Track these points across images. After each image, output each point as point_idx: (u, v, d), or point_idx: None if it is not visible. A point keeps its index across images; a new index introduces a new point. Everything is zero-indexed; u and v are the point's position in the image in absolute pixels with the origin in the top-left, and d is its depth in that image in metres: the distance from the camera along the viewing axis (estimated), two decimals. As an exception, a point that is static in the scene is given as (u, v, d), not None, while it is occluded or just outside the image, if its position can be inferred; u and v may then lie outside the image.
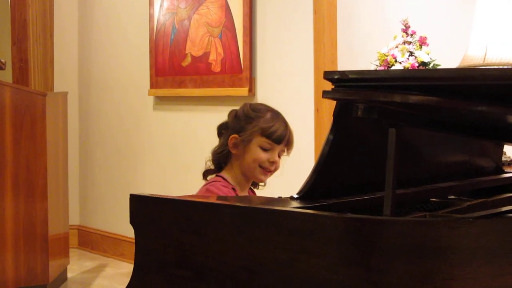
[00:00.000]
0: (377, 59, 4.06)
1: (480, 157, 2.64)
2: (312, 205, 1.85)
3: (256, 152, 2.62)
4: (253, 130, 2.62)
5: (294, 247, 1.68)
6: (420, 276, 1.56)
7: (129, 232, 2.02)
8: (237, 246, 1.79)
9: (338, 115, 1.91)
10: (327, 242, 1.63)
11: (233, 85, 4.91)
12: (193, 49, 5.23)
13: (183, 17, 5.31)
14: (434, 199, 2.31)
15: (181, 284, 1.90)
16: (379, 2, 4.92)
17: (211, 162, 2.74)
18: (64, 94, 5.35)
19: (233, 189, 2.63)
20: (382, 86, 1.72)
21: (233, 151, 2.66)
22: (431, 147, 2.34)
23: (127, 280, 2.03)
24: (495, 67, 3.29)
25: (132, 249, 2.02)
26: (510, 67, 3.31)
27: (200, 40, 5.18)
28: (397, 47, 4.00)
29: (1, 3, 6.66)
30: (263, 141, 2.63)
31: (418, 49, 3.96)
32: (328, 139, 1.92)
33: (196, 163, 3.07)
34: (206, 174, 2.75)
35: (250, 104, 2.73)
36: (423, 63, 3.91)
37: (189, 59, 5.27)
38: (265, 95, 4.80)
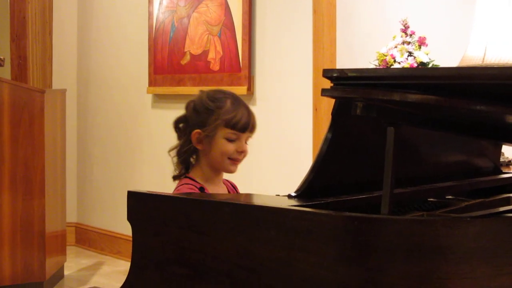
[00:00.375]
0: (376, 59, 4.05)
1: (478, 157, 2.64)
2: (310, 203, 1.85)
3: (223, 145, 2.52)
4: (216, 124, 2.50)
5: (292, 245, 1.68)
6: (418, 275, 1.56)
7: (127, 230, 2.02)
8: (235, 244, 1.78)
9: (336, 113, 1.91)
10: (325, 240, 1.63)
11: (232, 83, 4.90)
12: (192, 47, 5.23)
13: (182, 15, 5.31)
14: (432, 199, 2.32)
15: (178, 282, 1.90)
16: (379, 2, 4.91)
17: (177, 164, 2.61)
18: (63, 91, 5.35)
19: (202, 188, 2.53)
20: (381, 84, 1.71)
21: (198, 147, 2.55)
22: (430, 146, 2.34)
23: (124, 278, 2.03)
24: (494, 66, 3.28)
25: (129, 247, 2.02)
26: (509, 66, 3.30)
27: (199, 39, 5.17)
28: (396, 47, 4.00)
29: (0, 0, 6.65)
30: (228, 132, 2.51)
31: (417, 49, 3.96)
32: (326, 138, 1.91)
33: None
34: (175, 178, 2.62)
35: (207, 94, 2.59)
36: (422, 63, 3.91)
37: (188, 57, 5.27)
38: (263, 94, 4.80)
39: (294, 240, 1.67)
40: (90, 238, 6.29)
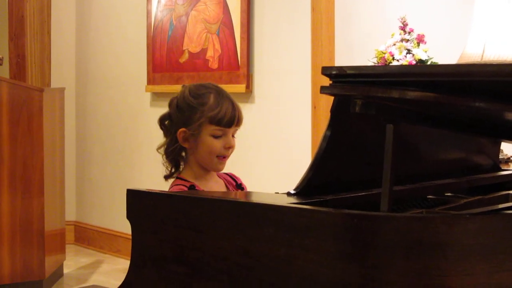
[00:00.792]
0: (374, 56, 4.06)
1: (477, 154, 2.64)
2: (309, 201, 1.85)
3: (209, 142, 2.45)
4: (200, 122, 2.44)
5: (291, 243, 1.68)
6: (417, 272, 1.56)
7: (126, 228, 2.02)
8: (234, 242, 1.78)
9: (335, 111, 1.91)
10: (324, 238, 1.63)
11: (230, 81, 4.90)
12: (191, 45, 5.23)
13: (180, 13, 5.30)
14: (431, 196, 2.32)
15: (177, 280, 1.90)
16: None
17: (167, 163, 2.57)
18: (61, 90, 5.35)
19: (192, 186, 2.47)
20: (380, 82, 1.71)
21: (185, 145, 2.49)
22: (429, 144, 2.34)
23: (123, 276, 2.03)
24: (493, 63, 3.29)
25: (128, 245, 2.02)
26: (507, 63, 3.30)
27: (198, 37, 5.17)
28: (394, 44, 4.00)
29: (-2, -1, 6.66)
30: (214, 128, 2.45)
31: (415, 46, 3.96)
32: (325, 135, 1.91)
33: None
34: (167, 177, 2.58)
35: (190, 90, 2.51)
36: (421, 61, 3.91)
37: (186, 55, 5.27)
38: (262, 92, 4.80)
39: (293, 237, 1.67)
40: (89, 237, 6.29)
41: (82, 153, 6.39)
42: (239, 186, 2.65)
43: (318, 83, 4.32)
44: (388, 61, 3.95)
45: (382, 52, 4.01)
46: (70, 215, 6.18)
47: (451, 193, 2.42)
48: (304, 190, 1.94)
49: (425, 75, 1.69)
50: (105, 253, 6.05)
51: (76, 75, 6.42)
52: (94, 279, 5.27)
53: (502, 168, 2.77)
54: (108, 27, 6.13)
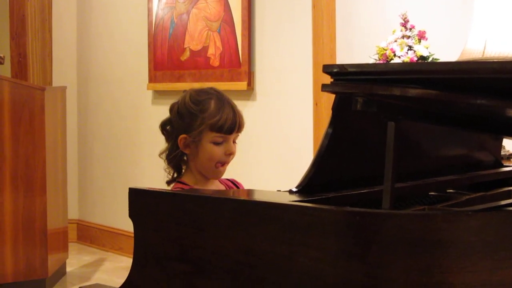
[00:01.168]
0: (376, 53, 4.05)
1: (479, 151, 2.64)
2: (311, 198, 1.85)
3: (210, 149, 2.43)
4: (201, 129, 2.42)
5: (293, 240, 1.68)
6: (419, 269, 1.56)
7: (128, 226, 2.03)
8: (236, 240, 1.79)
9: (337, 108, 1.91)
10: (326, 235, 1.63)
11: (231, 79, 4.91)
12: (192, 43, 5.23)
13: (181, 11, 5.30)
14: (433, 193, 2.32)
15: (180, 278, 1.90)
16: (378, -4, 4.91)
17: (169, 169, 2.55)
18: (63, 89, 5.35)
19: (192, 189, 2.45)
20: (381, 79, 1.71)
21: (186, 151, 2.48)
22: (430, 141, 2.34)
23: (126, 274, 2.03)
24: (495, 60, 3.28)
25: (130, 243, 2.03)
26: (509, 60, 3.30)
27: (199, 35, 5.17)
28: (396, 41, 3.99)
29: (-1, -2, 6.66)
30: (214, 136, 2.43)
31: (417, 43, 3.96)
32: (327, 133, 1.91)
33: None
34: (169, 183, 2.56)
35: (191, 96, 2.49)
36: (422, 57, 3.91)
37: (187, 53, 5.27)
38: (263, 90, 4.80)
39: (295, 235, 1.67)
40: (91, 235, 6.29)
41: (84, 151, 6.39)
42: None
43: (320, 81, 4.32)
44: (390, 58, 3.94)
45: (383, 48, 4.00)
46: (73, 213, 6.18)
47: (453, 189, 2.42)
48: (306, 187, 1.94)
49: (426, 73, 1.69)
50: (108, 251, 6.05)
51: (78, 74, 6.42)
52: (96, 277, 5.27)
53: (504, 164, 2.77)
54: (109, 25, 6.13)
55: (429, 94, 1.66)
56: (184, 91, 2.56)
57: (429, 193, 2.31)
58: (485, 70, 1.60)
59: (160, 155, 2.57)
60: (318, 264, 1.64)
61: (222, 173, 2.52)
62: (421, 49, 3.92)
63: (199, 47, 5.18)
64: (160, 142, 2.61)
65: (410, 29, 4.01)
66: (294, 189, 1.95)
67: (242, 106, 4.89)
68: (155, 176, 5.53)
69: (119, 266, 5.55)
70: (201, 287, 1.86)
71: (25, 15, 6.06)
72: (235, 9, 4.89)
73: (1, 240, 4.54)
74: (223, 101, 2.49)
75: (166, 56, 5.45)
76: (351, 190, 1.99)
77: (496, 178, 2.55)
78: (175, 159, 2.52)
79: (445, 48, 4.06)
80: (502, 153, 3.01)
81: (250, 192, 2.18)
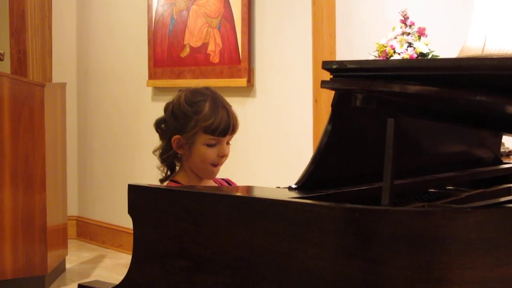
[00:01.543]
0: (375, 50, 4.05)
1: (478, 147, 2.64)
2: (311, 195, 1.85)
3: (203, 151, 2.45)
4: (194, 131, 2.43)
5: (292, 237, 1.68)
6: (418, 266, 1.56)
7: (128, 223, 2.02)
8: (235, 237, 1.78)
9: (336, 105, 1.90)
10: (325, 232, 1.63)
11: (231, 76, 4.90)
12: (192, 40, 5.23)
13: (181, 7, 5.30)
14: (432, 190, 2.32)
15: (179, 275, 1.90)
16: (378, -7, 4.91)
17: (163, 167, 2.57)
18: (63, 85, 5.35)
19: None
20: (381, 76, 1.71)
21: (180, 152, 2.49)
22: (430, 137, 2.34)
23: (125, 270, 2.03)
24: (494, 57, 3.28)
25: (130, 240, 2.02)
26: (508, 57, 3.30)
27: (199, 31, 5.17)
28: (395, 38, 3.99)
29: (-1, -6, 6.65)
30: (208, 138, 2.44)
31: (416, 40, 3.96)
32: (326, 130, 1.91)
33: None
34: (162, 181, 2.58)
35: (185, 96, 2.49)
36: (422, 54, 3.91)
37: (187, 50, 5.27)
38: (263, 86, 4.80)
39: (294, 232, 1.67)
40: (91, 232, 6.30)
41: (84, 148, 6.39)
42: None
43: (319, 77, 4.31)
44: (389, 55, 3.94)
45: (383, 45, 4.00)
46: (72, 210, 6.18)
47: (452, 186, 2.41)
48: (305, 184, 1.93)
49: (426, 69, 1.69)
50: (107, 248, 6.05)
51: (77, 70, 6.42)
52: (96, 274, 5.27)
53: (504, 161, 2.77)
54: (109, 22, 6.13)
55: (428, 90, 1.66)
56: (180, 90, 2.56)
57: (429, 190, 2.31)
58: (484, 66, 1.60)
59: (154, 152, 2.57)
60: (318, 261, 1.63)
61: (216, 173, 2.53)
62: (421, 46, 3.92)
63: (199, 44, 5.18)
64: (159, 139, 2.61)
65: (410, 26, 4.01)
66: (294, 186, 1.95)
67: (242, 103, 4.91)
68: (155, 172, 5.53)
69: (119, 263, 5.55)
70: (200, 283, 1.86)
71: (25, 11, 6.06)
72: (235, 6, 4.88)
73: (1, 237, 4.54)
74: (217, 103, 2.49)
75: (166, 53, 5.45)
76: (350, 186, 1.99)
77: (495, 175, 2.55)
78: (169, 158, 2.53)
79: (445, 45, 4.06)
80: (502, 150, 3.01)
81: (249, 188, 2.17)
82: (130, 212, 2.03)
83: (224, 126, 2.44)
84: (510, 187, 2.39)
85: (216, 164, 2.49)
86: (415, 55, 3.88)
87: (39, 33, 6.15)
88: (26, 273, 4.63)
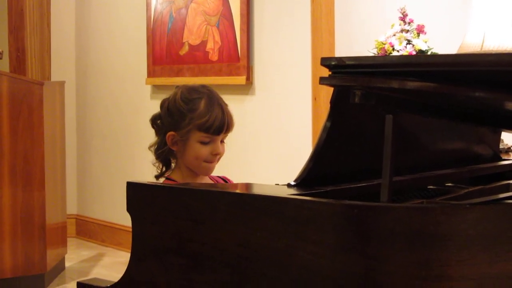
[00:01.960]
0: (374, 47, 4.05)
1: (477, 144, 2.64)
2: (310, 192, 1.85)
3: (196, 149, 2.45)
4: (188, 128, 2.43)
5: (291, 234, 1.68)
6: (418, 262, 1.56)
7: (127, 221, 2.02)
8: (233, 234, 1.78)
9: (335, 101, 1.91)
10: (324, 229, 1.63)
11: (230, 73, 4.90)
12: (191, 37, 5.23)
13: (180, 5, 5.30)
14: (431, 187, 2.31)
15: (178, 272, 1.90)
16: (377, -10, 4.91)
17: (158, 163, 2.57)
18: (62, 83, 5.34)
19: None
20: (379, 72, 1.71)
21: (174, 148, 2.50)
22: (429, 134, 2.34)
23: (125, 269, 2.03)
24: (493, 52, 3.28)
25: (129, 238, 2.02)
26: (507, 52, 3.30)
27: (198, 29, 5.17)
28: (394, 35, 3.99)
29: (-3, -8, 6.65)
30: (201, 135, 2.44)
31: (415, 37, 3.96)
32: (325, 126, 1.91)
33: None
34: (157, 177, 2.58)
35: (182, 93, 2.50)
36: (421, 51, 3.91)
37: (186, 48, 5.27)
38: (262, 84, 4.80)
39: (293, 229, 1.67)
40: (90, 230, 6.29)
41: (83, 146, 6.39)
42: None
43: (319, 75, 4.29)
44: (388, 52, 3.94)
45: (382, 43, 4.00)
46: (71, 208, 6.18)
47: (451, 183, 2.41)
48: (304, 181, 1.93)
49: (424, 65, 1.68)
50: (107, 246, 6.05)
51: (76, 69, 6.42)
52: (95, 272, 5.28)
53: (503, 157, 2.77)
54: (107, 20, 6.12)
55: (427, 86, 1.66)
56: (177, 87, 2.57)
57: (428, 187, 2.31)
58: (483, 62, 1.59)
59: (149, 148, 2.58)
60: (317, 257, 1.63)
61: (211, 169, 2.53)
62: (420, 43, 3.92)
63: (197, 42, 5.17)
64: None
65: (409, 23, 4.01)
66: (293, 183, 1.95)
67: (241, 101, 4.91)
68: (154, 170, 5.53)
69: (118, 261, 5.55)
70: (199, 280, 1.86)
71: (23, 9, 6.05)
72: (233, 3, 4.88)
73: (0, 235, 4.54)
74: (213, 101, 2.49)
75: (165, 51, 5.45)
76: (349, 183, 1.99)
77: (494, 171, 2.55)
78: (163, 154, 2.54)
79: (443, 42, 4.06)
80: (501, 146, 3.01)
81: (248, 185, 2.17)
82: (129, 209, 2.03)
83: (219, 124, 2.45)
84: (509, 183, 2.39)
85: (210, 161, 2.49)
86: (414, 52, 3.89)
87: (38, 31, 6.14)
88: (25, 271, 4.63)
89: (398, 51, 3.92)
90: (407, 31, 3.98)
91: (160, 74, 5.50)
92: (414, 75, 1.67)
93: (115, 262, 5.54)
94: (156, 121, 2.57)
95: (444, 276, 1.56)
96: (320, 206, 1.66)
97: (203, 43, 5.12)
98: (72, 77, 6.35)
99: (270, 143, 4.76)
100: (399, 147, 1.73)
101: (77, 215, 6.42)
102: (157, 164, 2.58)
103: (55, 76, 6.21)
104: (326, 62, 1.79)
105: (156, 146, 2.56)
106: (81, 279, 2.19)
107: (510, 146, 3.39)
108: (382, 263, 1.57)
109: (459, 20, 4.34)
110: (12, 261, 4.58)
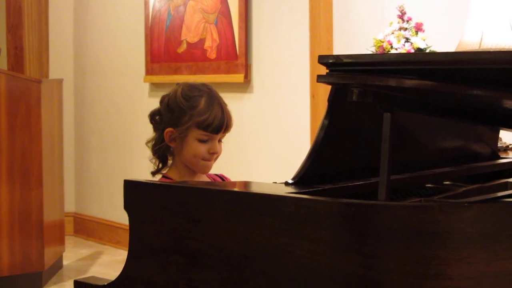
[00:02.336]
0: (373, 45, 4.05)
1: (475, 142, 2.64)
2: (307, 190, 1.85)
3: (194, 146, 2.44)
4: (188, 125, 2.43)
5: (288, 232, 1.67)
6: (416, 261, 1.55)
7: (125, 219, 2.02)
8: (231, 232, 1.78)
9: (333, 99, 1.90)
10: (322, 227, 1.63)
11: (228, 71, 4.90)
12: (189, 35, 5.22)
13: (178, 3, 5.29)
14: (429, 185, 2.31)
15: (175, 270, 1.90)
16: (375, -12, 4.90)
17: (154, 159, 2.56)
18: (60, 81, 5.34)
19: None
20: (377, 70, 1.71)
21: (171, 145, 2.49)
22: (427, 132, 2.34)
23: (122, 267, 2.03)
24: (491, 50, 3.28)
25: (127, 236, 2.02)
26: (505, 50, 3.30)
27: (196, 27, 5.16)
28: (393, 33, 3.98)
29: (-5, -10, 6.64)
30: (200, 133, 2.43)
31: (414, 35, 3.95)
32: (323, 124, 1.91)
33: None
34: (154, 174, 2.57)
35: (182, 90, 2.50)
36: (419, 50, 3.90)
37: (184, 45, 5.26)
38: (260, 82, 4.80)
39: (291, 227, 1.67)
40: (88, 228, 6.29)
41: (81, 144, 6.38)
42: None
43: (317, 73, 4.29)
44: (387, 50, 3.94)
45: (381, 41, 3.99)
46: (69, 206, 6.18)
47: (449, 181, 2.41)
48: (302, 179, 1.93)
49: (422, 63, 1.68)
50: (105, 244, 6.05)
51: (74, 66, 6.41)
52: (93, 271, 5.27)
53: (501, 156, 2.76)
54: (106, 17, 6.12)
55: (425, 84, 1.65)
56: (177, 83, 2.57)
57: (426, 185, 2.31)
58: (481, 60, 1.59)
59: (147, 143, 2.57)
60: (315, 256, 1.63)
61: (209, 167, 2.53)
62: (418, 41, 3.91)
63: (196, 40, 5.17)
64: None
65: (407, 21, 4.00)
66: (290, 181, 1.94)
67: (239, 99, 4.91)
68: (152, 168, 5.53)
69: (116, 259, 5.54)
70: (197, 279, 1.86)
71: (21, 7, 6.05)
72: (232, 1, 4.88)
73: (-2, 233, 4.54)
74: (213, 100, 2.49)
75: (163, 49, 5.45)
76: (347, 181, 1.99)
77: (493, 170, 2.55)
78: (160, 150, 2.53)
79: (442, 40, 4.05)
80: (499, 145, 3.01)
81: (246, 183, 2.17)
82: (126, 207, 2.02)
83: (218, 123, 2.44)
84: (507, 182, 2.39)
85: (207, 160, 2.48)
86: (412, 51, 3.88)
87: (36, 28, 6.14)
88: (23, 269, 4.63)
89: (396, 49, 3.91)
90: (406, 29, 3.97)
91: (158, 72, 5.49)
92: (412, 73, 1.66)
93: (113, 261, 5.54)
94: (154, 117, 2.57)
95: (442, 275, 1.55)
96: (317, 204, 1.65)
97: (201, 41, 5.12)
98: (70, 75, 6.34)
99: (268, 141, 4.76)
100: (397, 145, 1.73)
101: (75, 213, 6.42)
102: (154, 160, 2.57)
103: (53, 74, 6.21)
104: (323, 60, 1.79)
105: (153, 142, 2.55)
106: (78, 278, 2.18)
107: (508, 144, 3.38)
108: (380, 261, 1.57)
109: (457, 19, 4.33)
110: (9, 259, 4.57)
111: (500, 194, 2.17)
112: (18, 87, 4.58)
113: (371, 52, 4.05)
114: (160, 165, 2.57)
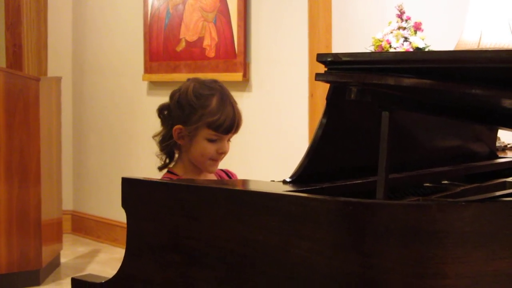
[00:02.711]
0: (371, 44, 4.05)
1: (474, 142, 2.63)
2: (305, 188, 1.84)
3: (203, 146, 2.42)
4: (198, 125, 2.40)
5: (287, 231, 1.67)
6: (414, 260, 1.55)
7: (123, 217, 2.01)
8: (230, 230, 1.78)
9: (331, 98, 1.90)
10: (320, 226, 1.62)
11: (227, 70, 4.90)
12: (188, 34, 5.22)
13: (177, 1, 5.29)
14: (427, 184, 2.31)
15: (174, 268, 1.89)
16: (374, -13, 4.90)
17: (161, 155, 2.54)
18: (58, 79, 5.34)
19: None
20: (375, 68, 1.70)
21: (180, 142, 2.46)
22: (425, 131, 2.34)
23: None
24: (490, 49, 3.28)
25: (125, 234, 2.01)
26: (504, 49, 3.30)
27: (195, 25, 5.16)
28: (391, 32, 3.98)
29: (-6, -12, 6.64)
30: (210, 133, 2.41)
31: (412, 34, 3.95)
32: (321, 123, 1.91)
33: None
34: (161, 169, 2.56)
35: (194, 88, 2.45)
36: (418, 49, 3.90)
37: (183, 44, 5.26)
38: (259, 80, 4.79)
39: (289, 225, 1.67)
40: (86, 226, 6.29)
41: (79, 142, 6.38)
42: None
43: (315, 71, 4.29)
44: (385, 49, 3.94)
45: (379, 40, 3.99)
46: (67, 204, 6.17)
47: (448, 180, 2.41)
48: (300, 177, 1.93)
49: (421, 62, 1.68)
50: (102, 243, 6.05)
51: (73, 64, 6.41)
52: (91, 268, 5.27)
53: (499, 155, 2.76)
54: (104, 16, 6.11)
55: (423, 83, 1.65)
56: (188, 79, 2.54)
57: (424, 184, 2.30)
58: (479, 59, 1.59)
59: (154, 137, 2.55)
60: (313, 254, 1.63)
61: (216, 166, 2.51)
62: (417, 41, 3.91)
63: (194, 38, 5.17)
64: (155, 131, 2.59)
65: (406, 20, 4.00)
66: (288, 179, 1.94)
67: (238, 97, 4.87)
68: (150, 166, 5.52)
69: (114, 257, 5.54)
70: (195, 277, 1.85)
71: (20, 5, 6.04)
72: (231, 0, 4.87)
73: (-5, 230, 4.54)
74: (225, 99, 2.46)
75: (162, 47, 5.44)
76: (345, 180, 1.98)
77: (491, 169, 2.55)
78: (168, 147, 2.51)
79: (441, 40, 4.05)
80: (498, 144, 3.01)
81: (244, 182, 2.17)
82: (124, 205, 2.02)
83: (229, 124, 2.43)
84: (505, 181, 2.39)
85: (215, 159, 2.47)
86: (411, 50, 3.88)
87: (35, 26, 6.13)
88: (20, 267, 4.63)
89: (395, 48, 3.92)
90: (404, 28, 3.97)
91: (157, 71, 5.49)
92: (410, 71, 1.66)
93: (110, 259, 5.53)
94: (163, 111, 2.54)
95: (440, 274, 1.55)
96: (315, 202, 1.65)
97: (200, 39, 5.12)
98: (69, 73, 6.34)
99: (266, 139, 4.76)
100: (395, 144, 1.73)
101: (73, 211, 6.42)
102: (160, 156, 2.55)
103: (51, 72, 6.21)
104: (322, 58, 1.79)
105: (161, 138, 2.53)
106: (76, 275, 2.18)
107: (506, 144, 3.38)
108: (377, 260, 1.56)
109: (456, 18, 4.33)
110: (7, 257, 4.57)
111: (498, 193, 2.17)
112: (16, 84, 4.58)
113: (369, 51, 4.05)
114: (167, 161, 2.54)
